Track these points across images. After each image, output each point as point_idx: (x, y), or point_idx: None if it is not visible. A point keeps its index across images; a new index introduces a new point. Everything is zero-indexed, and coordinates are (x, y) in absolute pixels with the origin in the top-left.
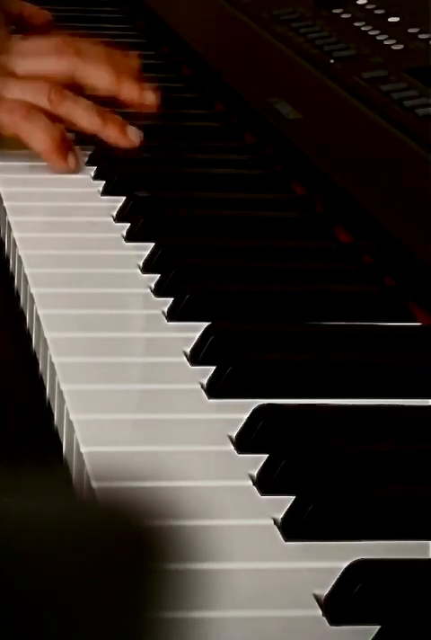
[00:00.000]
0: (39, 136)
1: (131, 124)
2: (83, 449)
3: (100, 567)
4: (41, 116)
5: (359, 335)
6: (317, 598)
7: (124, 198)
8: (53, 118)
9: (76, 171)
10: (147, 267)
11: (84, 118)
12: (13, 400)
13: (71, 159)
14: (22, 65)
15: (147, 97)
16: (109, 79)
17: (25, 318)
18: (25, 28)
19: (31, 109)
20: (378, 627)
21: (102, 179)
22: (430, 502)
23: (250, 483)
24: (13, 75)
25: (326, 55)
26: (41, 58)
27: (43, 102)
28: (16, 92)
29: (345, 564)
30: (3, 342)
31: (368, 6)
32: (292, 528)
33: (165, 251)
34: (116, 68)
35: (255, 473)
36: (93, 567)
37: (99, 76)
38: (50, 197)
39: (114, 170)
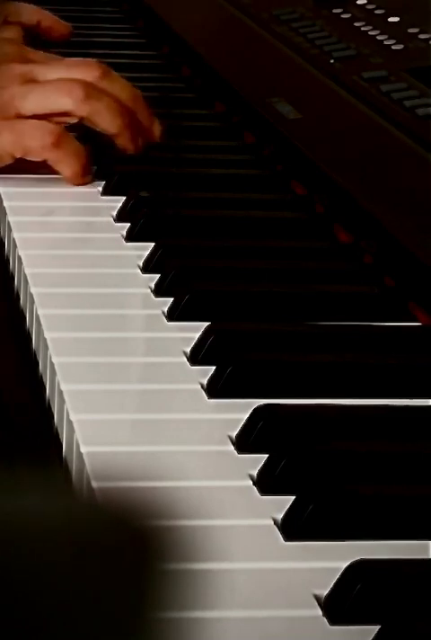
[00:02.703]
0: (67, 162)
1: None
2: (83, 449)
3: (99, 567)
4: (71, 140)
5: (359, 335)
6: (317, 598)
7: (124, 198)
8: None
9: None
10: (147, 267)
11: (106, 119)
12: (13, 400)
13: (89, 178)
14: (44, 74)
15: (154, 129)
16: (126, 102)
17: (25, 318)
18: (42, 39)
19: (61, 135)
20: (378, 627)
21: (102, 179)
22: (430, 502)
23: (250, 483)
24: (33, 82)
25: (326, 55)
26: (65, 70)
27: (66, 102)
28: (36, 98)
29: (345, 564)
30: (3, 343)
31: (368, 6)
32: (292, 528)
33: (165, 251)
34: (135, 95)
35: (255, 473)
36: (93, 567)
37: (119, 95)
38: (50, 197)
39: (114, 170)
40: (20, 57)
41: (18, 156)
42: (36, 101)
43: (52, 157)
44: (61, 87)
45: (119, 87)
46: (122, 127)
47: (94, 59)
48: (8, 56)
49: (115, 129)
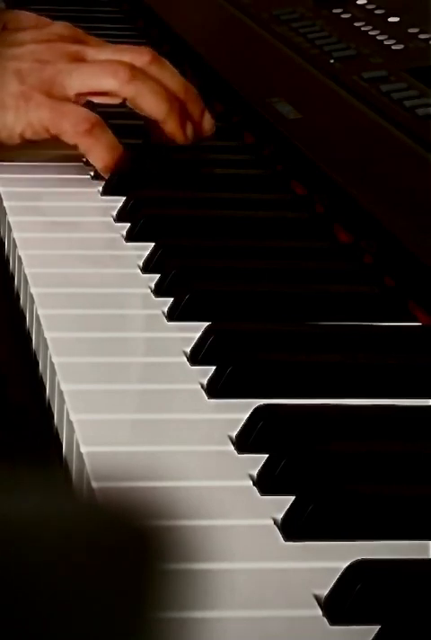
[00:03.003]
0: (99, 152)
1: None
2: (83, 449)
3: (99, 567)
4: (105, 132)
5: (359, 335)
6: (317, 598)
7: (124, 198)
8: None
9: None
10: (147, 267)
11: (151, 102)
12: (13, 400)
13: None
14: (95, 55)
15: (204, 122)
16: (177, 90)
17: (25, 318)
18: None
19: (96, 124)
20: (378, 627)
21: (102, 179)
22: (430, 502)
23: (250, 483)
24: (83, 62)
25: (326, 55)
26: (117, 52)
27: (110, 82)
28: (81, 78)
29: (345, 564)
30: (3, 342)
31: (368, 6)
32: (292, 528)
33: (165, 251)
34: (186, 85)
35: (255, 473)
36: (93, 567)
37: (169, 82)
38: (50, 197)
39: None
40: (72, 38)
41: (53, 134)
42: (80, 79)
43: (84, 144)
44: (106, 67)
45: (169, 75)
46: (168, 112)
47: (145, 46)
48: (61, 36)
49: (160, 114)
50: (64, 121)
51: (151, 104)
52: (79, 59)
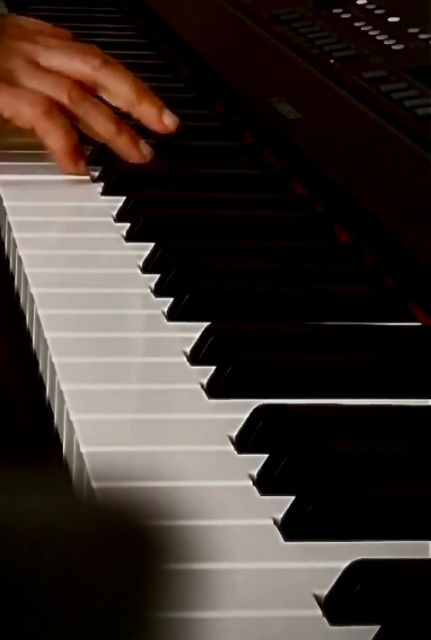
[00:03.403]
0: (56, 134)
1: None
2: (83, 449)
3: (100, 567)
4: (62, 116)
5: (359, 335)
6: (317, 598)
7: (124, 198)
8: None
9: (84, 175)
10: (147, 267)
11: (100, 123)
12: (13, 400)
13: (81, 165)
14: (46, 57)
15: (164, 120)
16: (129, 93)
17: (25, 318)
18: None
19: (54, 106)
20: (378, 627)
21: (102, 180)
22: (430, 502)
23: (250, 483)
24: (35, 64)
25: (326, 55)
26: (66, 56)
27: (62, 97)
28: (35, 82)
29: (345, 564)
30: (3, 342)
31: (368, 6)
32: (292, 528)
33: (165, 251)
34: (138, 87)
35: (255, 473)
36: (93, 567)
37: (119, 88)
38: (50, 197)
39: (114, 170)
40: (25, 37)
41: (7, 117)
42: (35, 82)
43: (41, 126)
44: (61, 83)
45: (121, 78)
46: (116, 132)
47: (95, 47)
48: (15, 35)
49: (108, 135)
50: (20, 102)
51: (99, 125)
52: (32, 61)
